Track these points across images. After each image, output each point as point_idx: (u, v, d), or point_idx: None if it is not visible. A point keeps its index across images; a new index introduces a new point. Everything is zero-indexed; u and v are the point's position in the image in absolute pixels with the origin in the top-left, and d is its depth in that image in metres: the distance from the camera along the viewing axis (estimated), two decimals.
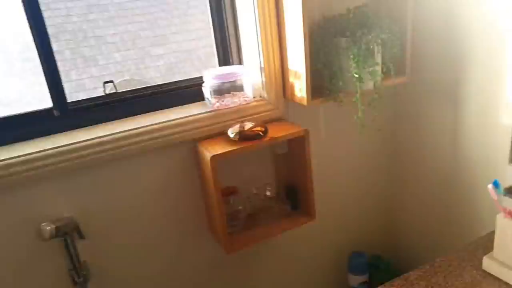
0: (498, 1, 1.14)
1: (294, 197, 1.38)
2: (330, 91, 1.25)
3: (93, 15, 2.87)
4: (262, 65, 1.28)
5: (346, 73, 1.22)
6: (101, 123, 1.22)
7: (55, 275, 1.15)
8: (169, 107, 1.30)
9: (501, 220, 0.97)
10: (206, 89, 1.26)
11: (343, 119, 1.47)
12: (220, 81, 1.24)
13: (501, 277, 0.99)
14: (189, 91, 1.33)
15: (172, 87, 1.33)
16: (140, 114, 1.26)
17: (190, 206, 1.30)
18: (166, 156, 1.22)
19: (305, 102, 1.23)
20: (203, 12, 1.41)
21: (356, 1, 1.29)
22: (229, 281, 1.47)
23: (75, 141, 1.10)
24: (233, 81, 1.26)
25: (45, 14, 1.09)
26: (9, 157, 1.03)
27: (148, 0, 3.05)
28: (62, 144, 1.08)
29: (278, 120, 1.33)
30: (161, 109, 1.29)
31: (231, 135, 1.18)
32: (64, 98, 1.17)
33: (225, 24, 1.34)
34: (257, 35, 1.24)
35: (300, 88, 1.24)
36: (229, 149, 1.14)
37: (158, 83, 1.33)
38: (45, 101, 1.16)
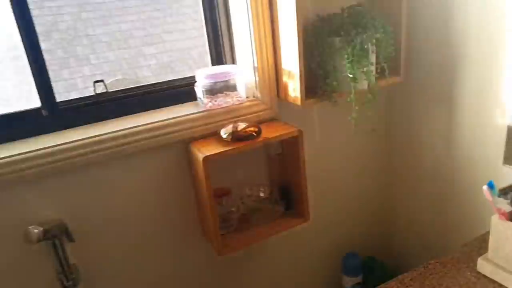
0: (493, 2, 1.14)
1: (288, 198, 1.37)
2: (324, 91, 1.24)
3: (85, 13, 2.85)
4: (256, 65, 1.26)
5: (340, 73, 1.21)
6: (91, 123, 1.20)
7: (44, 279, 1.13)
8: (161, 107, 1.28)
9: (495, 221, 0.96)
10: (199, 89, 1.25)
11: (337, 119, 1.46)
12: (212, 81, 1.23)
13: (495, 279, 0.98)
14: (182, 90, 1.31)
15: (164, 86, 1.31)
16: (131, 114, 1.24)
17: (182, 207, 1.28)
18: (157, 157, 1.20)
19: (299, 102, 1.22)
20: (196, 11, 1.39)
21: (351, 0, 1.28)
22: (222, 283, 1.45)
23: (63, 141, 1.07)
24: (226, 80, 1.24)
25: (37, 13, 1.08)
26: None
27: None
28: (49, 145, 1.06)
29: (271, 120, 1.32)
30: (153, 109, 1.27)
31: (224, 136, 1.17)
32: (53, 97, 1.14)
33: (218, 23, 1.32)
34: (250, 34, 1.22)
35: (294, 88, 1.23)
36: (222, 150, 1.12)
37: (150, 83, 1.31)
38: (33, 101, 1.13)
